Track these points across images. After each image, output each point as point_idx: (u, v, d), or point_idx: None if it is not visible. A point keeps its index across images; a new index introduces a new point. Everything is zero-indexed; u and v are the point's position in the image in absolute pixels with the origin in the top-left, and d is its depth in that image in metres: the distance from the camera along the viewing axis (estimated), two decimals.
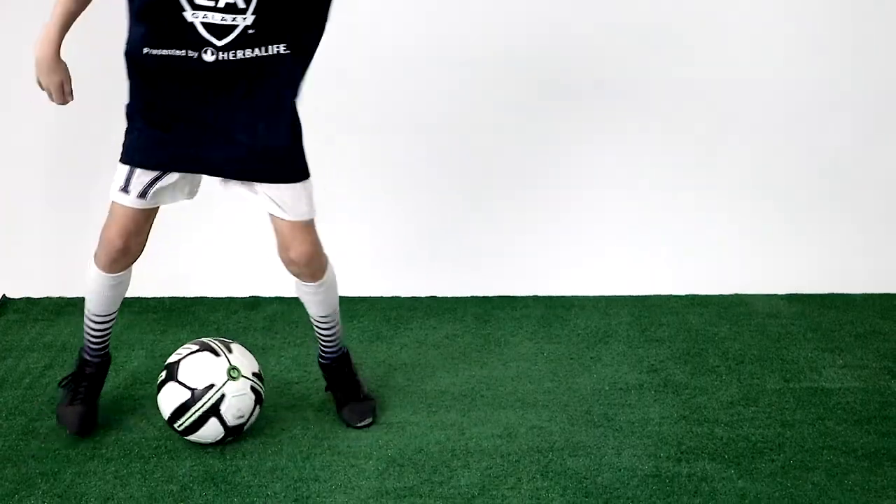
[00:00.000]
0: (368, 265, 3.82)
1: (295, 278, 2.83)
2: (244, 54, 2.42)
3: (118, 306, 2.87)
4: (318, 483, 2.64)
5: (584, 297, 3.77)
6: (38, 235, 3.88)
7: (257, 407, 2.80)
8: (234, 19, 2.39)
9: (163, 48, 2.44)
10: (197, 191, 2.75)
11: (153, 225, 2.73)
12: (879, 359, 3.23)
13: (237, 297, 3.81)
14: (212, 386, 2.72)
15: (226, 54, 2.41)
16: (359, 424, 2.89)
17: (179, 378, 2.74)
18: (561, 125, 3.81)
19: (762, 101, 3.72)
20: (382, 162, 3.77)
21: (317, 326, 2.93)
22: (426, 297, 3.77)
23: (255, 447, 2.81)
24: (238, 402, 2.74)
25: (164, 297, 3.81)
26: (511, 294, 3.78)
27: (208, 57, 2.42)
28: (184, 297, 3.81)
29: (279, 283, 3.80)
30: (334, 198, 3.80)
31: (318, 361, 3.01)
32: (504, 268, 3.81)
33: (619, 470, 2.66)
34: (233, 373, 2.76)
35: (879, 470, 2.64)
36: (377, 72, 3.70)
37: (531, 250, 3.83)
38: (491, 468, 2.69)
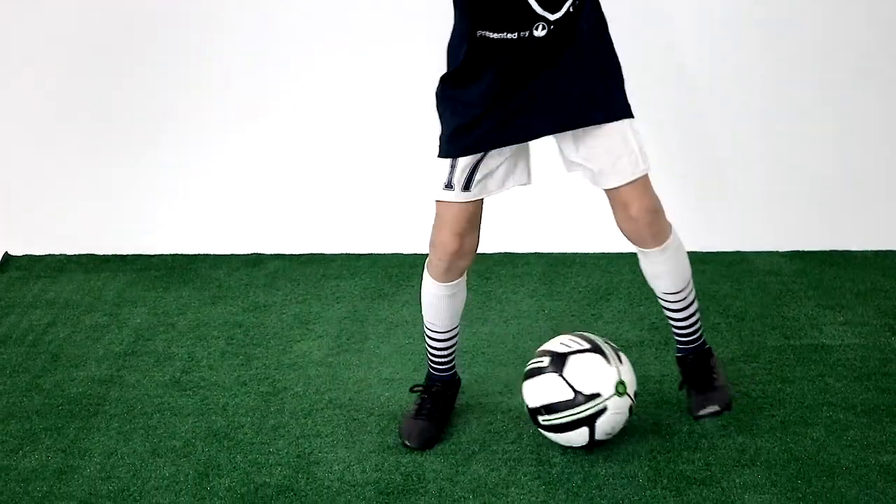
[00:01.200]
0: (370, 221, 3.82)
1: (636, 248, 2.56)
2: (566, 16, 2.27)
3: (458, 322, 2.68)
4: (319, 438, 2.66)
5: (585, 254, 3.76)
6: (40, 193, 3.88)
7: (624, 426, 2.55)
8: None
9: (496, 31, 2.26)
10: (530, 174, 2.51)
11: (481, 218, 2.54)
12: (880, 316, 3.23)
13: (239, 254, 3.81)
14: (597, 395, 2.47)
15: (555, 27, 2.26)
16: (699, 413, 2.63)
17: (566, 375, 2.49)
18: None
19: (756, 57, 3.70)
20: (363, 117, 3.75)
21: (666, 308, 2.63)
22: (428, 254, 3.76)
23: (257, 404, 2.83)
24: (614, 420, 2.50)
25: (165, 255, 3.81)
26: (512, 251, 3.78)
27: (539, 32, 2.26)
28: (185, 254, 3.81)
29: (281, 239, 3.83)
30: (336, 155, 3.80)
31: (675, 354, 2.71)
32: (505, 224, 3.80)
33: None
34: (620, 388, 2.49)
35: (878, 426, 2.65)
36: None
37: (532, 207, 3.83)
38: (492, 423, 2.70)
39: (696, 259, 3.66)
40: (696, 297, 2.62)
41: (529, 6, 2.23)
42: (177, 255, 3.81)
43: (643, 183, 2.43)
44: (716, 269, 3.60)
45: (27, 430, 2.72)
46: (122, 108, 3.81)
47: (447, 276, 2.58)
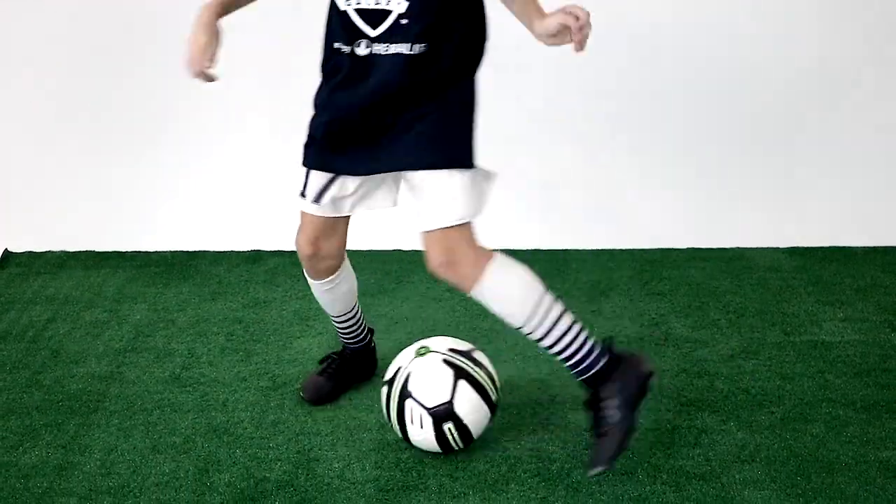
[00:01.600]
0: (370, 218, 3.81)
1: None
2: (398, 50, 2.19)
3: (350, 306, 2.74)
4: (319, 436, 2.66)
5: (585, 250, 3.77)
6: (41, 192, 3.88)
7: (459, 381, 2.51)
8: (387, 3, 2.16)
9: (332, 42, 2.26)
10: (396, 198, 2.46)
11: (344, 228, 2.54)
12: (880, 312, 3.24)
13: (239, 251, 3.82)
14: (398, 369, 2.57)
15: (379, 47, 2.19)
16: (588, 471, 2.40)
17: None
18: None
19: (757, 54, 3.70)
20: None
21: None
22: None
23: (257, 400, 2.83)
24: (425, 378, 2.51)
25: (165, 251, 3.82)
26: (512, 247, 3.77)
27: (361, 51, 2.21)
28: (185, 251, 3.81)
29: (280, 236, 3.82)
30: None
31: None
32: (505, 221, 3.80)
33: None
34: (421, 350, 2.58)
35: (878, 422, 2.65)
36: None
37: (532, 203, 3.83)
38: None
39: (697, 255, 3.68)
40: (556, 323, 2.41)
41: (350, 19, 2.20)
42: (177, 251, 3.81)
43: (445, 234, 2.31)
44: (716, 265, 3.60)
45: (27, 427, 2.72)
46: (122, 108, 3.81)
47: (314, 275, 2.64)
